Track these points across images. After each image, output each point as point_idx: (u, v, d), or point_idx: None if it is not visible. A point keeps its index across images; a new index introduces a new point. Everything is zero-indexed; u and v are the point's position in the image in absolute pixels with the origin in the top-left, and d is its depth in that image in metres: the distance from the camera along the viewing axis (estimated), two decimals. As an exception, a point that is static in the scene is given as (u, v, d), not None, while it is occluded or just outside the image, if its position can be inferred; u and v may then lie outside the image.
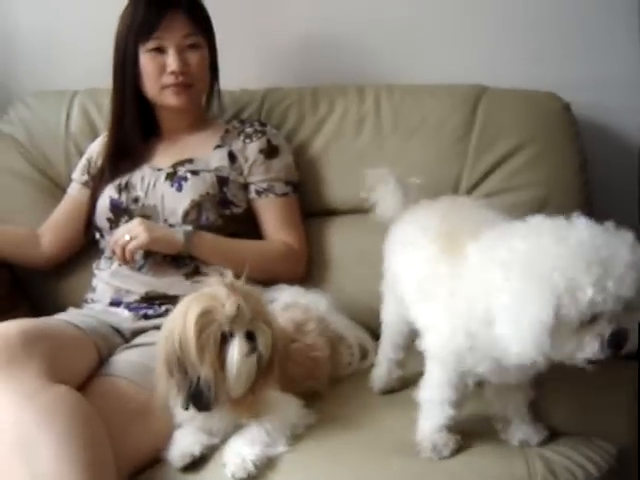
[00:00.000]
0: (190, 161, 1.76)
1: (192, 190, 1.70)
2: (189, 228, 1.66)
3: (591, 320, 1.06)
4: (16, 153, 2.02)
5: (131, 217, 1.71)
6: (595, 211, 1.82)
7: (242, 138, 1.79)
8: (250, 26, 2.02)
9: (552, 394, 1.33)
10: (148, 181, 1.74)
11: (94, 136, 1.96)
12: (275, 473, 1.28)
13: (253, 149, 1.78)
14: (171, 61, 1.69)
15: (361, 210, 1.80)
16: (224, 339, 1.26)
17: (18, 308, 1.82)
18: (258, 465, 1.27)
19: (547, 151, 1.79)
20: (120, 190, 1.75)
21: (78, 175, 1.88)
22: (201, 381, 1.24)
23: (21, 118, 2.05)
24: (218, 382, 1.25)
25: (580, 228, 1.10)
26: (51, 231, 1.84)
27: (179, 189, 1.71)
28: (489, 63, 1.99)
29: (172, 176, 1.73)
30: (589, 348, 1.08)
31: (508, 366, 1.18)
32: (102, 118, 1.98)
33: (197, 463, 1.30)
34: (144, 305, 1.64)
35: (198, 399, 1.26)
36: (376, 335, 1.60)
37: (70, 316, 1.60)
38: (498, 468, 1.24)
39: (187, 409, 1.28)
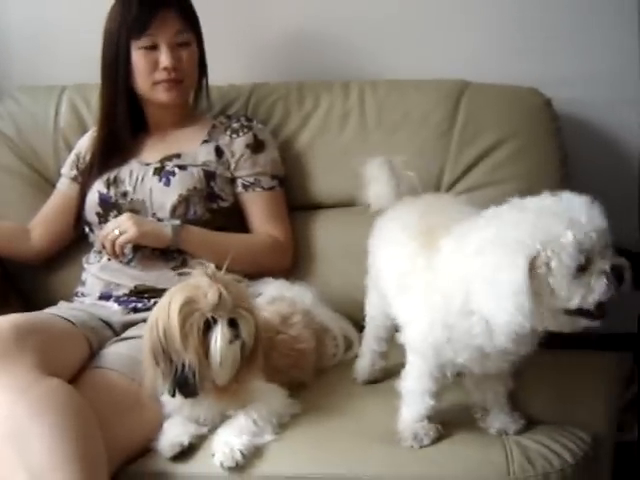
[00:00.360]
0: (178, 156, 1.78)
1: (180, 184, 1.72)
2: (177, 222, 1.68)
3: (586, 264, 1.11)
4: (5, 147, 2.03)
5: (120, 212, 1.73)
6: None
7: (229, 133, 1.82)
8: (237, 22, 2.04)
9: (529, 384, 1.37)
10: (136, 176, 1.76)
11: (83, 131, 1.97)
12: (262, 461, 1.31)
13: (240, 144, 1.80)
14: (164, 58, 1.71)
15: (346, 204, 1.85)
16: (207, 327, 1.29)
17: (9, 303, 1.84)
18: (246, 454, 1.30)
19: (528, 146, 1.82)
20: (109, 185, 1.76)
21: (67, 170, 1.90)
22: (185, 368, 1.28)
23: (10, 112, 2.06)
24: (202, 368, 1.29)
25: (539, 198, 1.18)
26: (41, 225, 1.86)
27: (167, 184, 1.73)
28: (472, 58, 2.01)
29: (160, 171, 1.75)
30: (598, 286, 1.11)
31: (489, 354, 1.22)
32: (91, 113, 1.99)
33: (186, 452, 1.33)
34: (133, 299, 1.66)
35: (183, 385, 1.30)
36: (360, 327, 1.63)
37: (60, 310, 1.62)
38: (477, 456, 1.28)
39: (173, 396, 1.32)
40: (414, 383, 1.32)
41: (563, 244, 1.10)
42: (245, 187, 1.80)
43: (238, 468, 1.29)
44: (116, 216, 1.73)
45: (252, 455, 1.31)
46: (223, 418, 1.38)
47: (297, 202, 1.90)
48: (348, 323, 1.73)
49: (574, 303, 1.12)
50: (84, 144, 1.89)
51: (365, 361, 1.58)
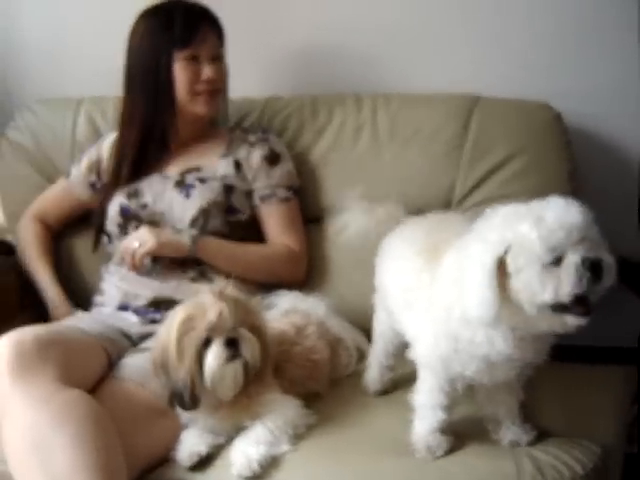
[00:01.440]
0: (198, 169, 1.82)
1: (200, 197, 1.75)
2: (195, 232, 1.72)
3: (558, 259, 1.13)
4: (23, 159, 2.06)
5: (140, 223, 1.76)
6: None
7: (246, 146, 1.85)
8: (251, 36, 2.06)
9: (540, 397, 1.39)
10: (156, 188, 1.80)
11: (100, 143, 1.99)
12: (278, 471, 1.34)
13: (257, 157, 1.84)
14: (207, 70, 1.77)
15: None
16: (206, 345, 1.33)
17: (27, 313, 1.86)
18: (263, 464, 1.33)
19: (538, 160, 1.84)
20: (129, 196, 1.79)
21: (84, 171, 1.92)
22: (178, 383, 1.33)
23: (28, 125, 2.09)
24: (196, 385, 1.33)
25: (519, 203, 1.21)
26: (54, 217, 1.96)
27: (187, 196, 1.77)
28: (482, 73, 2.03)
29: (180, 184, 1.79)
30: (567, 279, 1.13)
31: (495, 363, 1.25)
32: (108, 125, 2.03)
33: (204, 462, 1.36)
34: (151, 310, 1.69)
35: (179, 399, 1.35)
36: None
37: (79, 321, 1.64)
38: (489, 467, 1.31)
39: (173, 407, 1.37)
40: (426, 397, 1.35)
41: (529, 241, 1.13)
42: (262, 199, 1.83)
43: (255, 478, 1.32)
44: (136, 227, 1.76)
45: (269, 465, 1.34)
46: (238, 429, 1.40)
47: (310, 214, 1.93)
48: (361, 334, 1.75)
49: (548, 296, 1.14)
50: (105, 150, 1.91)
51: (374, 373, 1.61)
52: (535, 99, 1.91)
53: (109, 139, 1.92)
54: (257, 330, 1.39)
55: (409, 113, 1.93)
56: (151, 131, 1.81)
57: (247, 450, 1.35)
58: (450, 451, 1.34)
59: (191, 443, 1.38)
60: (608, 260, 1.15)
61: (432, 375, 1.34)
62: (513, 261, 1.15)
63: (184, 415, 1.41)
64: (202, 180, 1.79)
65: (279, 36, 2.11)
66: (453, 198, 1.87)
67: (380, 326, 1.58)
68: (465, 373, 1.28)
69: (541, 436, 1.37)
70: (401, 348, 1.46)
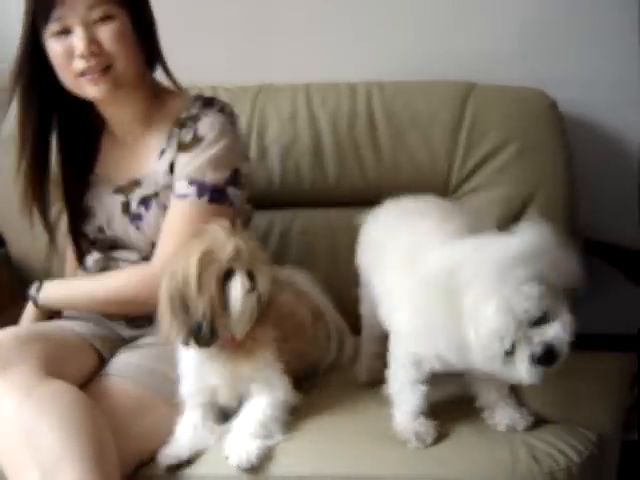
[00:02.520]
0: (138, 183, 1.55)
1: (149, 229, 1.53)
2: (33, 290, 1.55)
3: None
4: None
5: (101, 246, 1.61)
6: (580, 207, 1.87)
7: (177, 132, 1.51)
8: (244, 22, 2.05)
9: (537, 384, 1.38)
10: (107, 206, 1.58)
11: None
12: (275, 462, 1.33)
13: (177, 144, 1.51)
14: (76, 42, 1.41)
15: (355, 203, 1.84)
16: (226, 278, 1.31)
17: (17, 307, 1.80)
18: (261, 457, 1.32)
19: (534, 147, 1.83)
20: (82, 217, 1.61)
21: None
22: (200, 317, 1.30)
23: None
24: (217, 318, 1.31)
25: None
26: None
27: (138, 228, 1.55)
28: (477, 60, 2.01)
29: (127, 208, 1.55)
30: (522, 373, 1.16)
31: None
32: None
33: (180, 466, 1.35)
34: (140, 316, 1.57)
35: (198, 334, 1.31)
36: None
37: (67, 320, 1.58)
38: (484, 454, 1.29)
39: (187, 345, 1.33)
40: (400, 376, 1.34)
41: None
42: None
43: (253, 469, 1.31)
44: (99, 249, 1.60)
45: (266, 456, 1.33)
46: (236, 380, 1.39)
47: (304, 201, 1.92)
48: (343, 321, 1.73)
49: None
50: None
51: (365, 362, 1.60)
52: (531, 86, 1.90)
53: None
54: (267, 265, 1.38)
55: (404, 100, 1.90)
56: (35, 132, 1.52)
57: (244, 441, 1.33)
58: (443, 438, 1.33)
59: (177, 445, 1.36)
60: (562, 336, 1.15)
61: (405, 354, 1.32)
62: None
63: (188, 360, 1.38)
64: (146, 203, 1.53)
65: (272, 22, 2.08)
66: (449, 184, 1.86)
67: (364, 311, 1.56)
68: (437, 352, 1.25)
69: (537, 423, 1.35)
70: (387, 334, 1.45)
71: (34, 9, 1.43)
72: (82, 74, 1.43)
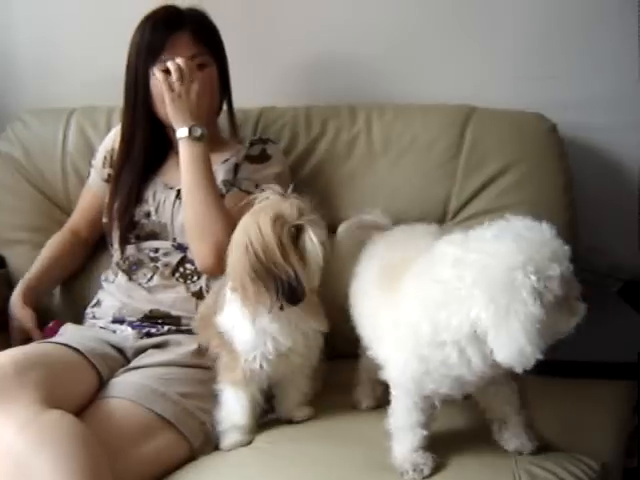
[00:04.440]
0: None
1: None
2: (200, 130, 1.64)
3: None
4: (13, 170, 2.04)
5: (141, 231, 1.73)
6: (580, 229, 1.87)
7: (245, 149, 1.79)
8: (246, 47, 2.05)
9: (539, 413, 1.37)
10: (159, 198, 1.75)
11: (90, 154, 1.97)
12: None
13: (244, 156, 1.78)
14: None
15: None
16: (297, 235, 1.39)
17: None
18: None
19: (534, 171, 1.83)
20: (135, 201, 1.75)
21: (99, 169, 1.88)
22: (290, 277, 1.36)
23: (18, 135, 2.07)
24: (299, 275, 1.38)
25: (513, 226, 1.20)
26: (86, 227, 1.89)
27: None
28: (477, 83, 2.02)
29: (180, 195, 1.71)
30: (579, 310, 1.17)
31: (470, 380, 1.23)
32: (99, 136, 2.00)
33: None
34: (147, 324, 1.64)
35: (290, 294, 1.37)
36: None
37: (68, 338, 1.59)
38: (487, 483, 1.28)
39: (282, 309, 1.40)
40: (402, 418, 1.32)
41: (552, 279, 1.13)
42: (227, 190, 1.72)
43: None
44: (137, 236, 1.73)
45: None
46: (306, 339, 1.47)
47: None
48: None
49: (561, 332, 1.17)
50: (111, 142, 1.87)
51: (365, 388, 1.59)
52: (530, 110, 1.91)
53: (115, 130, 1.88)
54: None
55: (404, 124, 1.91)
56: (132, 144, 1.76)
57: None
58: (444, 467, 1.31)
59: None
60: None
61: (405, 394, 1.31)
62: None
63: (259, 323, 1.42)
64: None
65: (275, 47, 2.09)
66: (448, 210, 1.85)
67: (362, 339, 1.54)
68: (440, 391, 1.26)
69: (540, 451, 1.34)
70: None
71: (145, 50, 1.70)
72: None
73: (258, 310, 1.41)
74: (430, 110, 1.93)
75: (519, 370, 1.14)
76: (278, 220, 1.37)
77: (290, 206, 1.39)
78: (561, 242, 1.18)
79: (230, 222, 1.54)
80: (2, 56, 2.23)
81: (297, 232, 1.39)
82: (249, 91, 2.05)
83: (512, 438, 1.34)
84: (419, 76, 2.05)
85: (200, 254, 1.62)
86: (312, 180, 1.91)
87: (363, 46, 2.06)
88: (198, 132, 1.63)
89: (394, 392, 1.34)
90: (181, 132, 1.63)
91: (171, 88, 1.63)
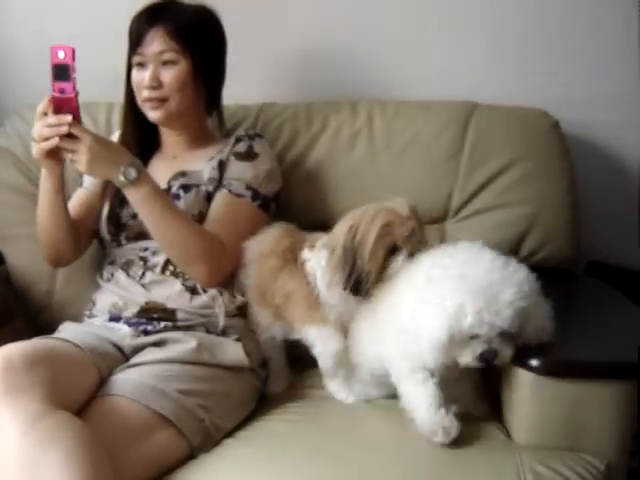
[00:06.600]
0: (183, 174, 1.76)
1: (185, 210, 1.69)
2: (134, 173, 1.56)
3: (472, 337, 1.31)
4: (13, 167, 2.02)
5: (129, 233, 1.73)
6: (582, 226, 1.86)
7: (231, 145, 1.79)
8: (246, 42, 2.04)
9: (543, 412, 1.37)
10: None
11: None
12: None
13: (231, 152, 1.78)
14: (145, 76, 1.73)
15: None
16: (393, 250, 1.49)
17: (14, 321, 1.82)
18: None
19: (537, 168, 1.83)
20: (121, 202, 1.74)
21: None
22: (362, 273, 1.48)
23: (17, 131, 2.05)
24: (374, 278, 1.49)
25: (480, 263, 1.34)
26: (81, 226, 1.80)
27: None
28: (480, 80, 2.03)
29: (168, 192, 1.73)
30: (465, 358, 1.33)
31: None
32: (98, 132, 1.97)
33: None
34: (143, 320, 1.63)
35: (355, 286, 1.50)
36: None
37: (70, 334, 1.58)
38: (490, 481, 1.28)
39: (345, 289, 1.51)
40: (411, 380, 1.40)
41: (462, 322, 1.30)
42: (216, 189, 1.74)
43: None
44: (127, 237, 1.73)
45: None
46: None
47: (304, 223, 1.87)
48: None
49: (451, 358, 1.35)
50: None
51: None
52: (533, 106, 1.90)
53: (115, 135, 1.89)
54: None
55: (405, 120, 1.90)
56: (125, 138, 1.81)
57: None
58: (448, 462, 1.32)
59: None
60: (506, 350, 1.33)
61: (407, 368, 1.40)
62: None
63: (335, 297, 1.55)
64: (186, 188, 1.73)
65: (275, 42, 2.09)
66: (450, 207, 1.85)
67: None
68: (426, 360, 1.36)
69: (544, 452, 1.34)
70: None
71: (130, 43, 1.75)
72: (145, 101, 1.75)
73: (334, 280, 1.52)
74: (432, 106, 1.92)
75: None
76: (386, 228, 1.48)
77: (407, 226, 1.49)
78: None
79: (208, 234, 1.64)
80: (1, 51, 2.22)
81: (394, 249, 1.49)
82: (250, 87, 2.06)
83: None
84: (421, 72, 2.05)
85: (196, 277, 1.66)
86: (313, 176, 1.91)
87: (365, 42, 2.06)
88: (132, 173, 1.56)
89: (393, 370, 1.45)
90: (119, 183, 1.57)
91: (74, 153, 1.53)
